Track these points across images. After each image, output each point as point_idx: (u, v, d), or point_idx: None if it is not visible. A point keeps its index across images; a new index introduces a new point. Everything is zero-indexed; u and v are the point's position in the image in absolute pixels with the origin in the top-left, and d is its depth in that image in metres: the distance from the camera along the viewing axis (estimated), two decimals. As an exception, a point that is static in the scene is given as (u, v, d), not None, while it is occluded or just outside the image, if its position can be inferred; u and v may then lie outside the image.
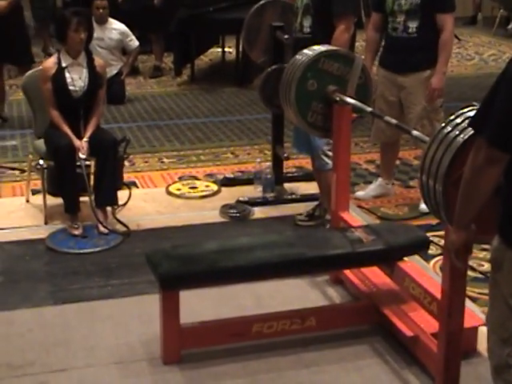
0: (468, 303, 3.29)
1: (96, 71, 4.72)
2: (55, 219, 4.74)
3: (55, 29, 5.16)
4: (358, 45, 8.42)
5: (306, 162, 5.52)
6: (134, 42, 7.73)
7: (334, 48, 4.07)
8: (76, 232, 4.55)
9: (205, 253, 3.40)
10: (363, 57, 4.57)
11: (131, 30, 7.74)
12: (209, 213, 4.89)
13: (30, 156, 5.05)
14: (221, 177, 5.53)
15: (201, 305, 3.71)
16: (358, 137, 6.18)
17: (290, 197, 5.11)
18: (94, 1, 7.46)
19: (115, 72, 7.53)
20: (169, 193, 5.25)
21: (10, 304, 3.82)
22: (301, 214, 4.74)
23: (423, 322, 3.33)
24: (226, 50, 9.51)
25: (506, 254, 2.33)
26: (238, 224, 4.75)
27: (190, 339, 3.37)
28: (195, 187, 5.34)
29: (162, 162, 5.99)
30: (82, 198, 4.61)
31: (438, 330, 3.09)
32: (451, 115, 2.72)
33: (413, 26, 4.70)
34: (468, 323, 3.16)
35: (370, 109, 3.91)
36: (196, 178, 5.59)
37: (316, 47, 4.00)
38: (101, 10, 7.49)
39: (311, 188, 5.09)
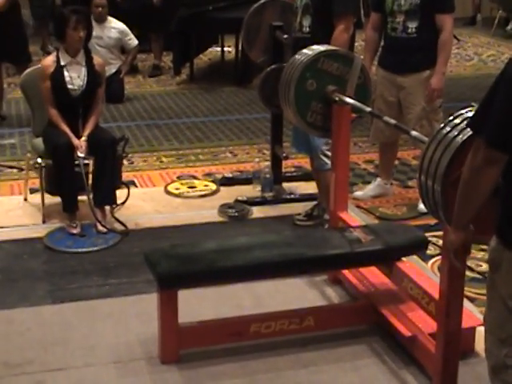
0: (466, 303, 3.30)
1: (95, 70, 4.71)
2: (53, 218, 4.74)
3: (54, 27, 5.17)
4: (358, 45, 8.40)
5: (304, 162, 5.52)
6: (133, 41, 7.73)
7: (334, 48, 4.06)
8: (74, 231, 4.55)
9: (203, 252, 3.40)
10: (362, 57, 4.57)
11: (130, 29, 7.74)
12: (207, 212, 4.89)
13: (29, 154, 5.05)
14: (219, 176, 5.53)
15: (199, 304, 3.71)
16: (357, 137, 6.18)
17: (288, 196, 5.11)
18: (92, -1, 7.47)
19: (114, 71, 7.54)
20: (167, 192, 5.25)
21: (9, 303, 3.82)
22: (299, 214, 4.74)
23: (421, 322, 3.33)
24: (226, 49, 9.50)
25: (503, 254, 2.33)
26: (237, 223, 4.75)
27: (189, 339, 3.37)
28: (194, 186, 5.33)
29: (161, 161, 5.99)
30: (80, 197, 4.61)
31: (436, 330, 3.08)
32: (450, 116, 2.72)
33: (412, 26, 4.70)
34: (466, 323, 3.16)
35: (369, 109, 3.91)
36: (195, 178, 5.58)
37: (315, 47, 3.99)
38: (100, 9, 7.49)
39: (310, 188, 5.09)
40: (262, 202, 5.04)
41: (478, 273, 4.11)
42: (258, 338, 3.42)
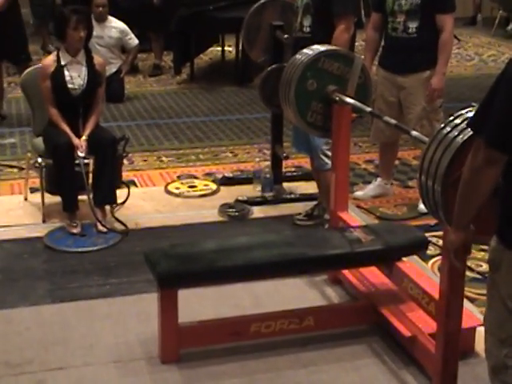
0: (466, 304, 3.29)
1: (95, 69, 4.71)
2: (53, 217, 4.73)
3: (54, 26, 5.17)
4: (358, 45, 8.39)
5: (305, 162, 5.51)
6: (134, 41, 7.72)
7: (334, 48, 4.06)
8: (74, 230, 4.55)
9: (203, 252, 3.40)
10: (363, 57, 4.57)
11: (130, 29, 7.73)
12: (207, 212, 4.89)
13: (29, 154, 5.05)
14: (220, 176, 5.52)
15: (199, 304, 3.71)
16: (358, 137, 6.18)
17: (288, 196, 5.11)
18: (93, -1, 7.47)
19: (114, 70, 7.53)
20: (168, 192, 5.25)
21: (8, 302, 3.82)
22: (300, 214, 4.74)
23: (421, 323, 3.33)
24: (226, 48, 9.50)
25: (503, 254, 2.33)
26: (237, 223, 4.75)
27: (189, 338, 3.37)
28: (194, 186, 5.33)
29: (161, 160, 5.99)
30: (80, 197, 4.61)
31: (436, 330, 3.08)
32: (450, 116, 2.72)
33: (413, 26, 4.70)
34: (466, 324, 3.16)
35: (369, 109, 3.91)
36: (195, 177, 5.58)
37: (316, 47, 3.99)
38: (100, 8, 7.49)
39: (310, 188, 5.09)
40: (262, 201, 5.04)
41: (478, 273, 4.11)
42: (258, 337, 3.42)
